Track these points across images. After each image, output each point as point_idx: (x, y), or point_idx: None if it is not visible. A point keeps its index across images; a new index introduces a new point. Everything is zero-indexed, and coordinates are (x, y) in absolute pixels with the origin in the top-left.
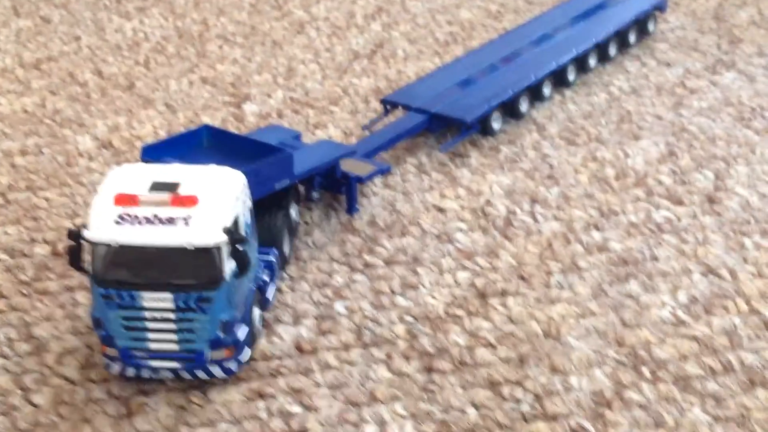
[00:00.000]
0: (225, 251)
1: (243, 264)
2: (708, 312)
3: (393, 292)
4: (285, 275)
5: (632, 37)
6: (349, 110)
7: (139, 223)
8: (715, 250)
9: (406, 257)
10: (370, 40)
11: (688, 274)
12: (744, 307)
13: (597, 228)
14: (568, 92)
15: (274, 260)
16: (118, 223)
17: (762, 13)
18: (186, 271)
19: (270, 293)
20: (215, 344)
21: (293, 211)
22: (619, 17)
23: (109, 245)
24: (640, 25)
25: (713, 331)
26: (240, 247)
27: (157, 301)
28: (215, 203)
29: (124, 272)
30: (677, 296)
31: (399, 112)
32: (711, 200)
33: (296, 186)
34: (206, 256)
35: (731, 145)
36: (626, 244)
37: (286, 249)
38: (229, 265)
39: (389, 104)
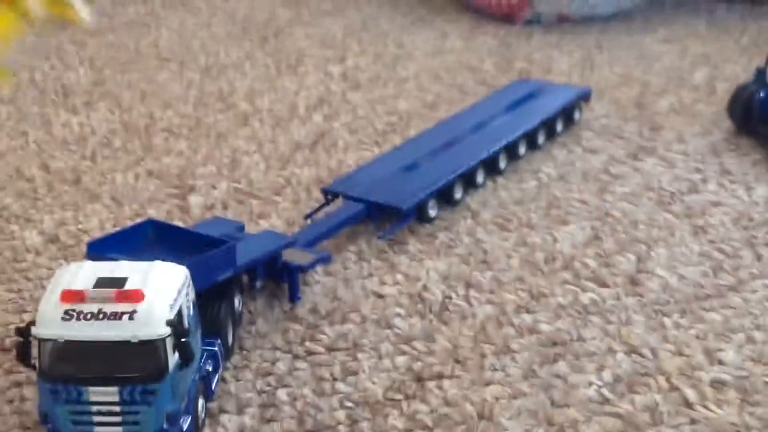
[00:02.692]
0: (169, 344)
1: (187, 356)
2: (631, 390)
3: (334, 378)
4: (229, 365)
5: (559, 126)
6: (291, 200)
7: (85, 318)
8: (637, 330)
9: (347, 343)
10: (312, 130)
11: (612, 354)
12: (664, 384)
13: (528, 311)
14: (500, 179)
15: (218, 350)
16: (64, 319)
17: (682, 101)
18: (131, 364)
19: (214, 383)
20: None
21: (237, 301)
22: (546, 107)
23: (55, 341)
24: (567, 114)
25: (636, 408)
26: (184, 340)
27: (103, 395)
28: (159, 298)
29: (71, 367)
30: (602, 375)
31: (340, 201)
32: (633, 282)
33: (239, 276)
34: (151, 349)
35: (652, 228)
36: (555, 326)
37: (230, 339)
38: (173, 358)
39: (330, 193)
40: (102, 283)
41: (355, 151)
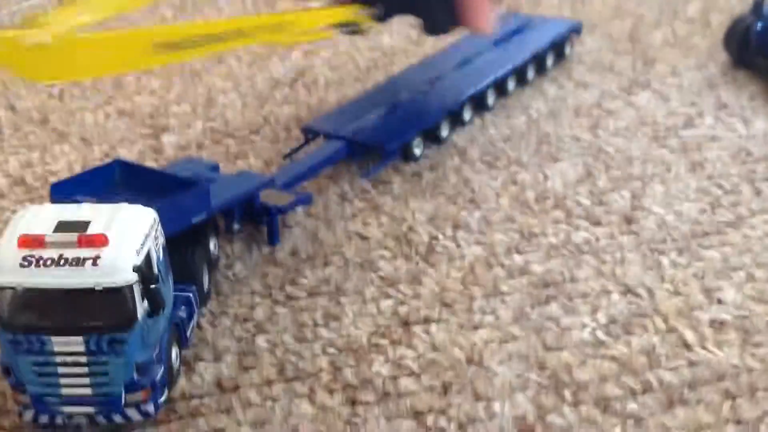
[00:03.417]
0: (136, 291)
1: (156, 303)
2: (627, 332)
3: (316, 323)
4: (205, 311)
5: (549, 61)
6: (270, 139)
7: (45, 265)
8: (632, 269)
9: (329, 287)
10: (291, 68)
11: (606, 295)
12: (662, 325)
13: (518, 251)
14: (488, 116)
15: (193, 296)
16: (23, 266)
17: (676, 33)
18: (97, 312)
19: (189, 331)
20: (131, 387)
21: (212, 245)
22: (536, 42)
23: (14, 289)
24: (557, 49)
25: (632, 350)
26: (152, 286)
27: (67, 345)
28: (124, 242)
29: (32, 316)
30: (597, 317)
31: (321, 140)
32: (628, 220)
33: (215, 219)
34: (117, 296)
35: (647, 164)
36: (546, 266)
37: (205, 284)
38: (141, 305)
39: (310, 132)
40: (63, 227)
41: (337, 89)
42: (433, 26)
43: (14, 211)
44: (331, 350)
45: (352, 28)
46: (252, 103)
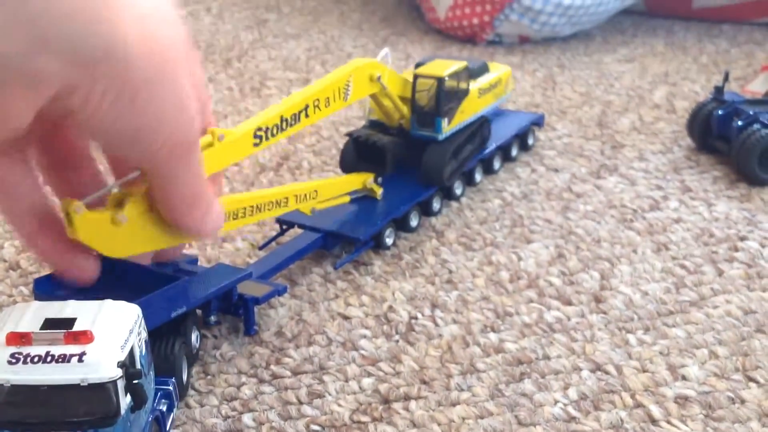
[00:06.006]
0: (120, 386)
1: (139, 398)
2: (596, 407)
3: (300, 401)
4: (193, 391)
5: (514, 151)
6: (257, 222)
7: (33, 361)
8: (601, 347)
9: (313, 366)
10: (277, 152)
11: (577, 371)
12: (629, 401)
13: (493, 330)
14: (464, 199)
15: (173, 389)
16: (11, 362)
17: (643, 119)
18: (81, 408)
19: (168, 423)
20: None
21: (194, 337)
22: (501, 134)
23: (1, 385)
24: (521, 139)
25: (601, 425)
26: (135, 382)
27: None
28: (109, 338)
29: (18, 412)
30: (568, 393)
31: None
32: (597, 299)
33: (194, 311)
34: (101, 392)
35: (615, 246)
36: (520, 345)
37: (184, 377)
38: (124, 400)
39: (285, 223)
40: (49, 324)
41: (319, 172)
42: (430, 180)
43: (10, 296)
44: (315, 427)
45: (365, 194)
46: (238, 188)
